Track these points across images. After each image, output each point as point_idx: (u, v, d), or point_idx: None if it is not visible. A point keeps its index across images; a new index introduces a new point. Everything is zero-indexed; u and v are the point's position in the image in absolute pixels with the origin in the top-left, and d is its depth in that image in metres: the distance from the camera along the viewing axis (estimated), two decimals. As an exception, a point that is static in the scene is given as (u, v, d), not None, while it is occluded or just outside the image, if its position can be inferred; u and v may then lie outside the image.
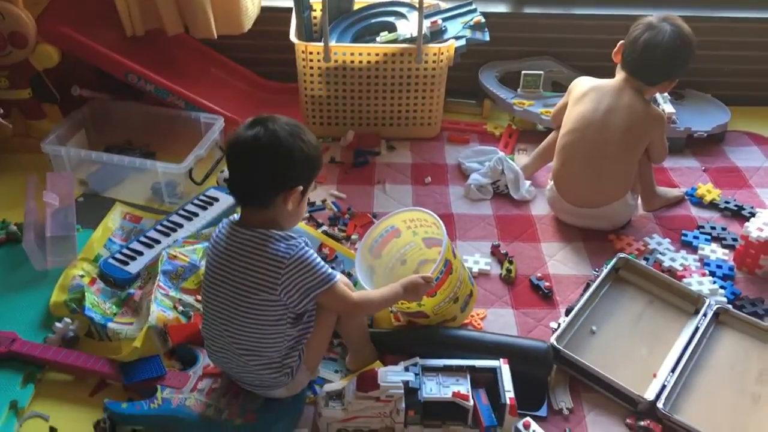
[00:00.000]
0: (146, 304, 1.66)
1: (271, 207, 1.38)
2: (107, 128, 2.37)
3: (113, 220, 2.02)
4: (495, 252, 2.00)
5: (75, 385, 1.59)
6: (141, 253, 1.86)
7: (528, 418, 1.47)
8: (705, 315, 1.74)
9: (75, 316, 1.70)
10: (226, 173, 2.17)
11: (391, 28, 2.44)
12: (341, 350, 1.66)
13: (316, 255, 1.38)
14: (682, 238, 2.06)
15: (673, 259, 1.97)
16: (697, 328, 1.71)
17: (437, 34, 2.38)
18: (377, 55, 2.30)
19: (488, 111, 2.64)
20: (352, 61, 2.31)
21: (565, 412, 1.55)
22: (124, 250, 1.86)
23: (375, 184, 2.27)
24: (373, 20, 2.48)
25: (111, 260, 1.83)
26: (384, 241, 1.74)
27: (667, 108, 2.43)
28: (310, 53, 2.29)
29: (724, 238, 2.06)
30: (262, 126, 1.35)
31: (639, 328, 1.74)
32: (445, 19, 2.43)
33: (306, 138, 1.38)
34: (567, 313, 1.73)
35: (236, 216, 1.44)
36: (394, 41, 2.35)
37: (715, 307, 1.76)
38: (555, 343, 1.61)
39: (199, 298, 1.68)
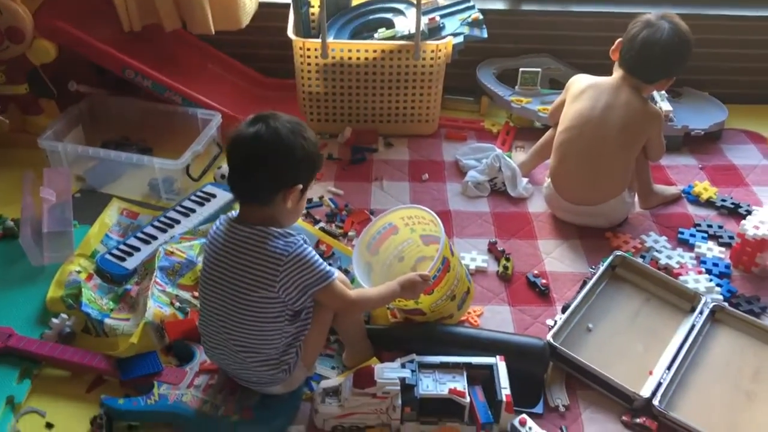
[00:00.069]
0: (143, 300, 1.66)
1: (270, 205, 1.38)
2: (104, 124, 2.36)
3: (110, 216, 2.02)
4: (492, 249, 2.00)
5: (72, 381, 1.59)
6: (138, 249, 1.85)
7: (524, 415, 1.47)
8: (701, 313, 1.75)
9: (72, 312, 1.70)
10: (224, 169, 2.20)
11: (389, 24, 2.44)
12: (338, 347, 1.66)
13: (314, 252, 1.38)
14: (679, 235, 2.06)
15: (669, 257, 1.97)
16: (693, 326, 1.72)
17: (435, 31, 2.38)
18: (375, 51, 2.30)
19: (486, 108, 2.64)
20: (350, 58, 2.31)
21: (561, 409, 1.56)
22: (121, 246, 1.86)
23: (372, 180, 2.27)
24: (371, 17, 2.48)
25: (108, 256, 1.83)
26: (381, 238, 1.74)
27: (665, 106, 2.43)
28: (308, 50, 2.29)
29: (721, 236, 2.06)
30: (263, 123, 1.35)
31: (635, 326, 1.75)
32: (443, 16, 2.43)
33: (307, 136, 1.38)
34: (563, 311, 1.74)
35: (234, 212, 1.44)
36: (392, 38, 2.35)
37: (711, 305, 1.76)
38: (551, 341, 1.62)
39: (196, 294, 1.67)
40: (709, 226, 2.10)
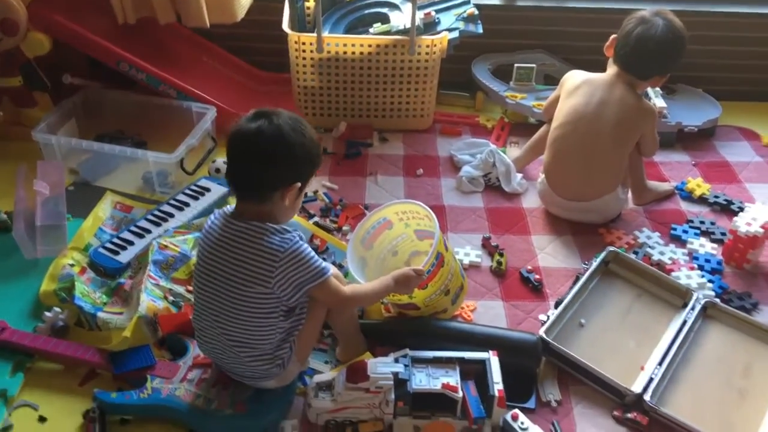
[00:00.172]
0: (136, 293, 1.66)
1: (268, 201, 1.38)
2: (98, 117, 2.35)
3: (104, 209, 2.01)
4: (486, 244, 2.00)
5: (64, 374, 1.59)
6: (131, 243, 1.85)
7: (516, 410, 1.48)
8: (693, 309, 1.75)
9: (65, 306, 1.69)
10: (218, 163, 2.19)
11: (384, 19, 2.43)
12: (331, 341, 1.67)
13: (310, 249, 1.38)
14: (672, 232, 2.07)
15: (662, 253, 1.98)
16: (684, 322, 1.72)
17: (430, 26, 2.38)
18: (370, 46, 2.29)
19: (481, 103, 2.64)
20: (345, 52, 2.31)
21: (553, 404, 1.57)
22: (115, 240, 1.86)
23: (367, 175, 2.27)
24: (367, 11, 2.48)
25: (101, 249, 1.82)
26: (376, 233, 1.74)
27: (659, 102, 2.44)
28: (303, 44, 2.29)
29: (713, 233, 2.07)
30: (266, 119, 1.33)
31: (627, 321, 1.76)
32: (438, 11, 2.43)
33: (307, 134, 1.37)
34: (556, 306, 1.74)
35: (230, 207, 1.44)
36: (387, 32, 2.35)
37: (703, 301, 1.77)
38: (544, 336, 1.62)
39: (190, 288, 1.68)
40: (702, 222, 2.11)
